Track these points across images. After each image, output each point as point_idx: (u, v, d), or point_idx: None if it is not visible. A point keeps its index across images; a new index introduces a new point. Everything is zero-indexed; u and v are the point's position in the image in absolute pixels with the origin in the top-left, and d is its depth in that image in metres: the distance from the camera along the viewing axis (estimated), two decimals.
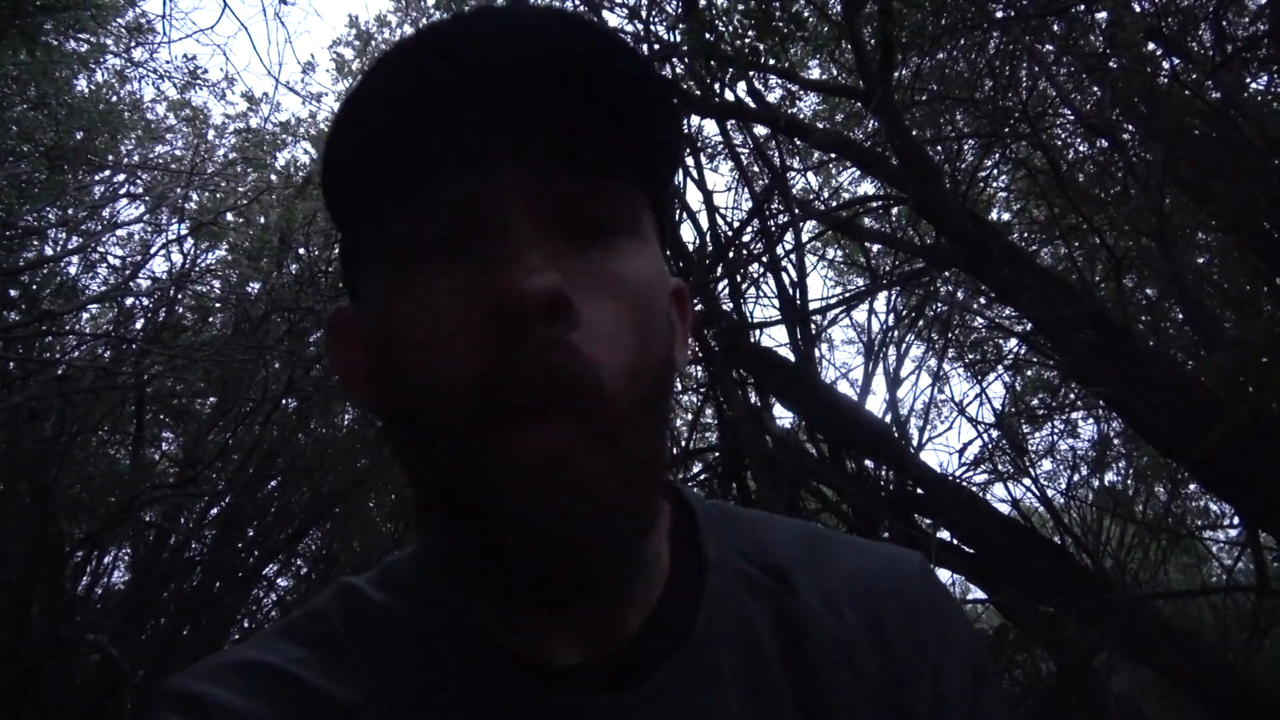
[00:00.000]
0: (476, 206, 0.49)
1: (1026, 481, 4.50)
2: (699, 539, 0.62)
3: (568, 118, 0.50)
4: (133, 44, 6.03)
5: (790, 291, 4.25)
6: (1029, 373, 5.37)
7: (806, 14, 3.99)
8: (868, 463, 4.02)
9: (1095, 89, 4.06)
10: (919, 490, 3.68)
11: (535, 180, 0.49)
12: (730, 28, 3.80)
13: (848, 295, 5.06)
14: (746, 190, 4.54)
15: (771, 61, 3.98)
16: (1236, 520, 4.58)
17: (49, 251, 6.18)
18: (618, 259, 0.51)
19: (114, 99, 6.50)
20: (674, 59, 4.04)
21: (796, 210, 4.29)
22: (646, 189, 0.54)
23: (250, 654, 0.56)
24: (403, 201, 0.51)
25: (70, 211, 6.23)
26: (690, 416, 4.82)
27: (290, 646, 0.57)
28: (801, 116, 4.81)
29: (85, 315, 6.44)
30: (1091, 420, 5.05)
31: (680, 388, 4.44)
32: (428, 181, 0.50)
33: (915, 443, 5.29)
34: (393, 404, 0.53)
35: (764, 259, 4.20)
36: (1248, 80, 4.01)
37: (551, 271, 0.46)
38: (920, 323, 4.98)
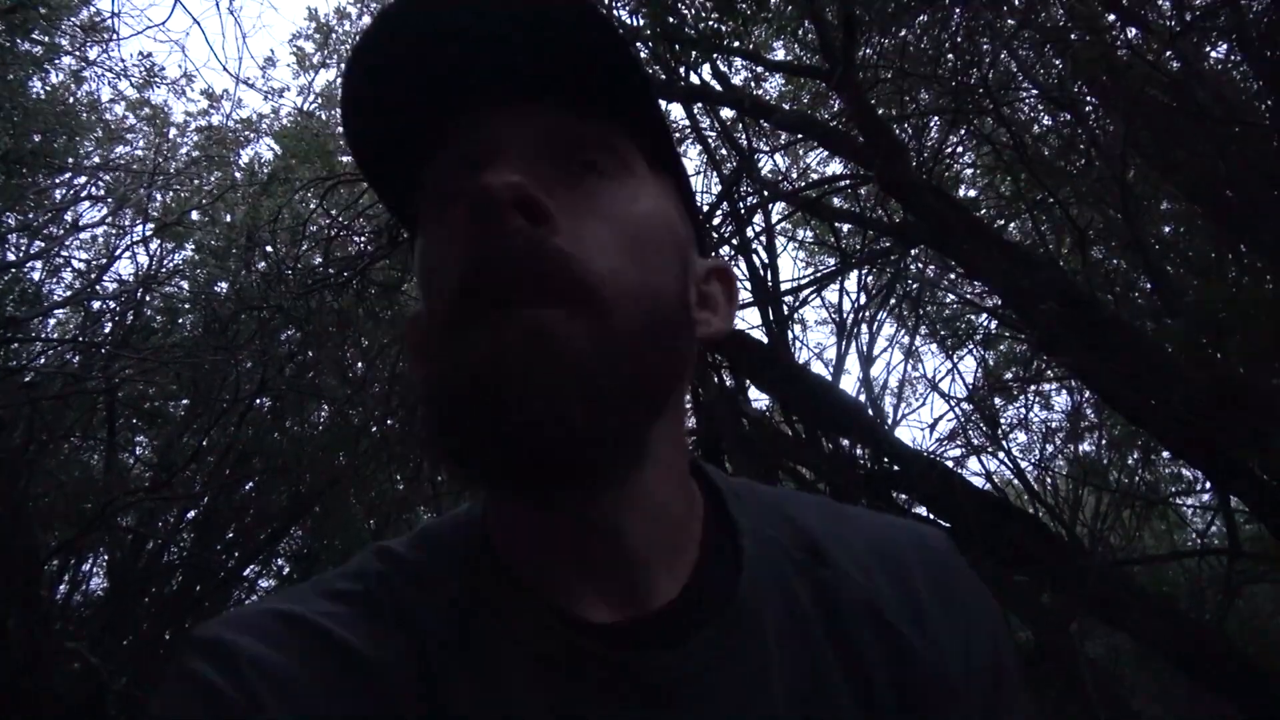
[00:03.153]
0: (481, 155, 0.54)
1: (1000, 454, 4.55)
2: (729, 511, 0.63)
3: (546, 65, 0.54)
4: (87, 43, 5.93)
5: (761, 273, 4.26)
6: (1001, 347, 5.41)
7: None
8: (843, 441, 4.04)
9: (1057, 62, 4.09)
10: (894, 467, 3.71)
11: (530, 126, 0.55)
12: (693, 10, 3.79)
13: (819, 275, 5.07)
14: (715, 173, 4.53)
15: (735, 43, 3.97)
16: (1209, 485, 4.65)
17: (10, 257, 6.08)
18: (608, 190, 0.55)
19: (71, 100, 6.39)
20: (637, 43, 4.02)
21: (765, 192, 4.29)
22: (635, 135, 0.58)
23: (282, 606, 0.56)
24: (421, 167, 0.57)
25: (31, 216, 6.14)
26: None
27: (323, 601, 0.57)
28: (767, 98, 4.81)
29: (51, 321, 6.35)
30: (1064, 392, 5.10)
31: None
32: (436, 146, 0.56)
33: (890, 420, 5.34)
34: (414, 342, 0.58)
35: (734, 241, 4.20)
36: (1207, 50, 4.05)
37: (514, 172, 0.50)
38: (891, 301, 5.01)
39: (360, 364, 5.73)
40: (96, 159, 6.76)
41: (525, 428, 0.47)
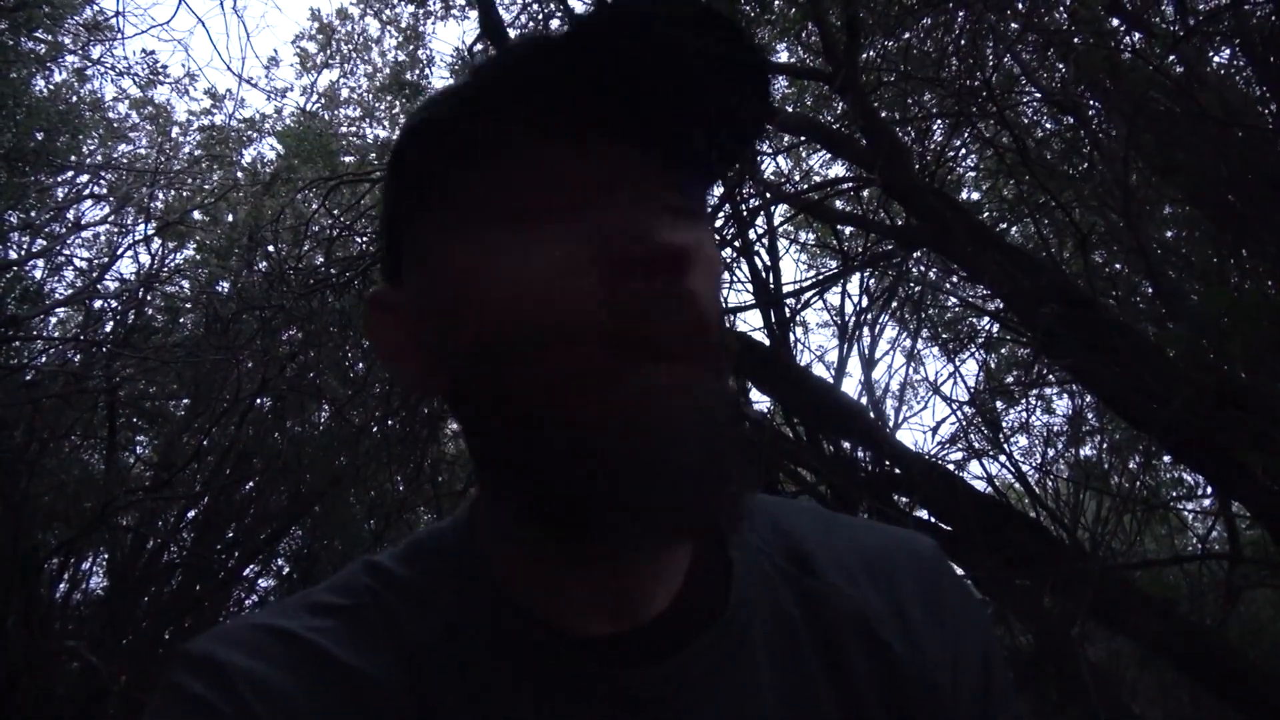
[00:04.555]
0: (586, 186, 0.52)
1: (1002, 458, 4.54)
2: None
3: (669, 116, 0.53)
4: (90, 41, 5.93)
5: (763, 275, 4.26)
6: (1003, 350, 5.41)
7: None
8: (845, 444, 4.03)
9: (1060, 66, 4.09)
10: (896, 470, 3.70)
11: (635, 163, 0.53)
12: None
13: (821, 278, 5.07)
14: None
15: None
16: (1210, 489, 4.64)
17: (12, 255, 6.10)
18: (699, 235, 0.55)
19: (74, 99, 6.39)
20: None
21: (767, 194, 4.28)
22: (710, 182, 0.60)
23: (272, 621, 0.56)
24: (501, 166, 0.53)
25: (33, 214, 6.15)
26: None
27: (312, 617, 0.56)
28: (770, 100, 4.80)
29: (52, 319, 6.36)
30: (1066, 396, 5.10)
31: None
32: (528, 149, 0.52)
33: (891, 423, 5.33)
34: (477, 359, 0.53)
35: (736, 244, 4.19)
36: (1210, 53, 4.05)
37: (673, 231, 0.51)
38: (893, 303, 5.00)
39: (361, 364, 5.73)
40: (99, 158, 6.78)
41: (695, 489, 0.48)
